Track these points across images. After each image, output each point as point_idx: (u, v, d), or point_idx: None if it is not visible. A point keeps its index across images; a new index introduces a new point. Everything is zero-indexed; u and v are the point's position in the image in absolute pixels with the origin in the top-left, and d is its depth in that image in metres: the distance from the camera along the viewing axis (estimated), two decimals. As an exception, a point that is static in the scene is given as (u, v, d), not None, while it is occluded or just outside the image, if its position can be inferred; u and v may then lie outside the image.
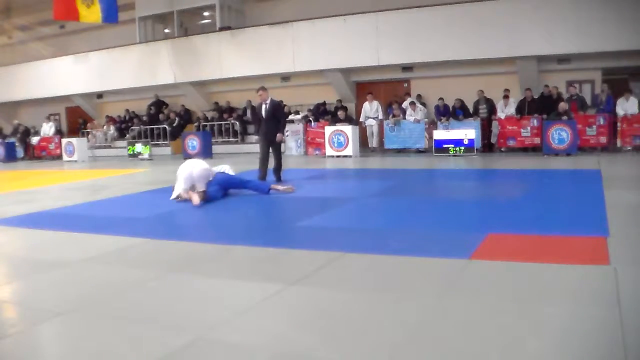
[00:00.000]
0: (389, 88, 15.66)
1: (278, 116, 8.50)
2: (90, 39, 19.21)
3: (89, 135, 19.03)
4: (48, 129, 18.72)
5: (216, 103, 17.90)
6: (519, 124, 12.58)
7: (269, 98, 8.50)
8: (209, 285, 3.36)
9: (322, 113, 15.48)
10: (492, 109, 13.21)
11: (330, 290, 3.14)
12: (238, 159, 13.99)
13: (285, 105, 15.55)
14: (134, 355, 2.38)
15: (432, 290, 3.05)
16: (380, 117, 13.97)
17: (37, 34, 20.80)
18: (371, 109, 14.11)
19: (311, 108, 15.84)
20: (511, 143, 12.73)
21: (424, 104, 14.26)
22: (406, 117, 13.58)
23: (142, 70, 17.71)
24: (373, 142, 14.21)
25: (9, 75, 20.38)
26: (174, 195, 6.73)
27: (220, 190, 6.76)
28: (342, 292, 3.09)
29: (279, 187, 7.25)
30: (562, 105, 11.74)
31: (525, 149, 12.65)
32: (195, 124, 17.49)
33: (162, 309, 2.92)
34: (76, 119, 21.04)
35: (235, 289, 3.25)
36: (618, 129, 11.94)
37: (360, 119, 14.25)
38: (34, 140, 18.86)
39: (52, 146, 18.12)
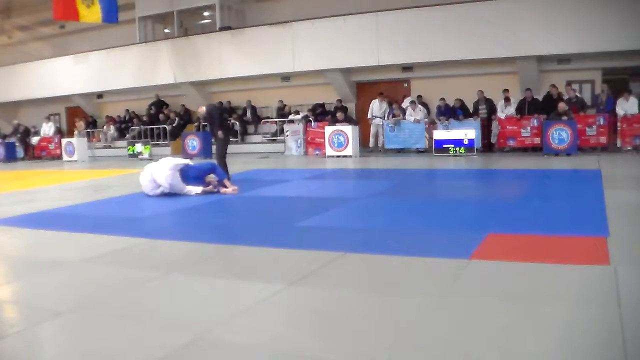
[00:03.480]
0: (389, 88, 15.64)
1: (214, 118, 8.99)
2: (90, 39, 19.17)
3: (74, 131, 18.99)
4: (48, 129, 18.72)
5: (220, 102, 17.77)
6: (519, 124, 12.56)
7: (205, 106, 9.27)
8: (209, 285, 3.36)
9: (321, 114, 15.47)
10: (492, 109, 13.21)
11: (330, 290, 3.14)
12: (238, 159, 13.96)
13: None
14: (134, 355, 2.38)
15: (432, 290, 3.05)
16: (386, 118, 14.01)
17: (37, 34, 20.79)
18: (380, 108, 14.22)
19: (310, 108, 15.83)
20: (511, 143, 12.72)
21: (424, 104, 14.26)
22: (406, 117, 13.59)
23: (142, 70, 17.68)
24: (377, 142, 14.23)
25: (9, 75, 20.35)
26: (196, 190, 7.07)
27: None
28: (342, 292, 3.09)
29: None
30: (562, 106, 11.72)
31: (525, 149, 12.64)
32: (195, 124, 17.45)
33: (162, 309, 2.92)
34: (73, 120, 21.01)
35: (235, 289, 3.25)
36: (618, 129, 11.93)
37: (368, 116, 14.29)
38: (34, 140, 18.85)
39: (52, 146, 18.12)
